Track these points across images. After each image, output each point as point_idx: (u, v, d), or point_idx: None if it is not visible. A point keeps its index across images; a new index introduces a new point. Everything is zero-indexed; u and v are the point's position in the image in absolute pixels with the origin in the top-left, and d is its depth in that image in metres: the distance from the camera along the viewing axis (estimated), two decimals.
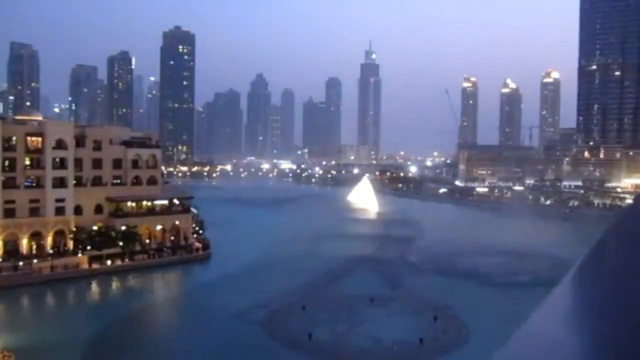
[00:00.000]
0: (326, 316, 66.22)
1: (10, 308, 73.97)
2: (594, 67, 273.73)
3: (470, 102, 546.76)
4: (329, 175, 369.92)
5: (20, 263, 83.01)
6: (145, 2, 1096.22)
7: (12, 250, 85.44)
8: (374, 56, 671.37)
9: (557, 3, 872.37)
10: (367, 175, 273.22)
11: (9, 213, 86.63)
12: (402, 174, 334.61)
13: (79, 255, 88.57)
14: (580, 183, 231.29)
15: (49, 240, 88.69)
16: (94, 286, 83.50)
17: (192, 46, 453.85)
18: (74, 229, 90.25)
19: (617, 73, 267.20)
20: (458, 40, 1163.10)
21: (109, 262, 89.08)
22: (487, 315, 64.28)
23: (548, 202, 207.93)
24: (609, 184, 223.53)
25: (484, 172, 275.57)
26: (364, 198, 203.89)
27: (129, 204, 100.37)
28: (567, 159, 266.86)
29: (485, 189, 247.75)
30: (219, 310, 68.46)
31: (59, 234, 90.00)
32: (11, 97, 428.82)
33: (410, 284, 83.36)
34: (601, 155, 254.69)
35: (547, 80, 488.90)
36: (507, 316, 55.92)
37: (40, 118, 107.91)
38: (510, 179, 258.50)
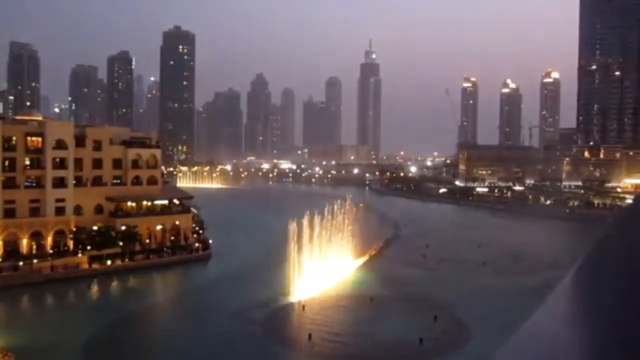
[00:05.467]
0: (326, 316, 66.19)
1: (10, 308, 73.92)
2: (594, 67, 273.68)
3: (470, 102, 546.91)
4: (329, 175, 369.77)
5: (20, 263, 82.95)
6: (145, 2, 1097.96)
7: (12, 250, 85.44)
8: (374, 56, 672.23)
9: (557, 3, 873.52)
10: (367, 174, 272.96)
11: (9, 213, 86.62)
12: (402, 174, 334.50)
13: (79, 255, 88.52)
14: (580, 183, 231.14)
15: (49, 240, 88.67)
16: (94, 286, 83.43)
17: (192, 46, 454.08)
18: (74, 229, 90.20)
19: (617, 73, 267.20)
20: (458, 40, 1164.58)
21: (109, 262, 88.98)
22: (488, 315, 64.27)
23: (548, 202, 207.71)
24: (609, 184, 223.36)
25: (484, 172, 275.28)
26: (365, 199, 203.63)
27: (129, 204, 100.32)
28: (567, 159, 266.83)
29: (485, 189, 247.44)
30: (219, 310, 68.50)
31: (59, 234, 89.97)
32: (11, 97, 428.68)
33: (410, 283, 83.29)
34: (601, 155, 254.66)
35: (547, 80, 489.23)
36: (509, 317, 55.98)
37: (40, 118, 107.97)
38: (510, 179, 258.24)
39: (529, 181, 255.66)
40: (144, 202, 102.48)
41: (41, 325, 64.15)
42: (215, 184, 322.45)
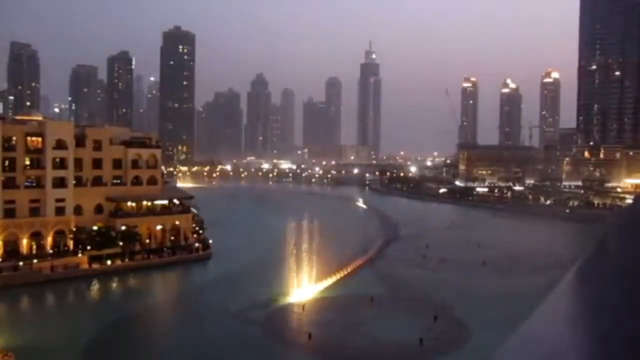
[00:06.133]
0: (326, 316, 66.18)
1: (10, 308, 73.87)
2: (594, 67, 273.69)
3: (470, 102, 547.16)
4: (329, 175, 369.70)
5: (20, 263, 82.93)
6: (145, 2, 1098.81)
7: (12, 250, 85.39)
8: (374, 56, 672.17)
9: (557, 3, 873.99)
10: (367, 175, 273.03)
11: (9, 213, 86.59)
12: (402, 174, 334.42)
13: (79, 255, 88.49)
14: (580, 183, 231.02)
15: (49, 240, 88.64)
16: (94, 286, 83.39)
17: (192, 46, 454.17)
18: (74, 229, 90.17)
19: (617, 73, 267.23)
20: (458, 40, 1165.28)
21: (109, 262, 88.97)
22: (488, 315, 64.27)
23: (548, 202, 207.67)
24: (609, 184, 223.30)
25: (484, 172, 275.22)
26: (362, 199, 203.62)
27: (129, 204, 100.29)
28: (567, 159, 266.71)
29: (485, 189, 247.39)
30: (219, 311, 68.44)
31: (59, 234, 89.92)
32: (11, 97, 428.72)
33: (410, 283, 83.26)
34: (601, 155, 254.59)
35: (547, 80, 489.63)
36: (508, 317, 55.99)
37: (40, 118, 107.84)
38: (510, 179, 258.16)
39: (529, 181, 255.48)
40: (144, 202, 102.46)
41: (41, 325, 64.13)
42: (215, 184, 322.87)
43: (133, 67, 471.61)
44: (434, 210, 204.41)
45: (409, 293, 77.73)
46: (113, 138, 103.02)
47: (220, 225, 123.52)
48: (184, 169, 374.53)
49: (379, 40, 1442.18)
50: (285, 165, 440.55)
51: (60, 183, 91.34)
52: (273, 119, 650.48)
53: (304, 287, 77.37)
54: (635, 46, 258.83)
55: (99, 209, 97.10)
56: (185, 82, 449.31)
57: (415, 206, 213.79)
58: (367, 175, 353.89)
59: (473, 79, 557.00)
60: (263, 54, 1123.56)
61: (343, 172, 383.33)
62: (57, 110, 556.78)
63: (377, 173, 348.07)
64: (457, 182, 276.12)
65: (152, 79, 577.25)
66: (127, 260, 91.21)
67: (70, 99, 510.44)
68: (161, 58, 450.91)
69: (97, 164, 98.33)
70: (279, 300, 72.52)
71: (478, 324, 61.17)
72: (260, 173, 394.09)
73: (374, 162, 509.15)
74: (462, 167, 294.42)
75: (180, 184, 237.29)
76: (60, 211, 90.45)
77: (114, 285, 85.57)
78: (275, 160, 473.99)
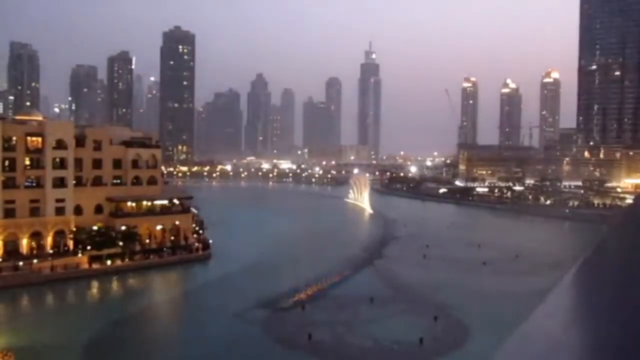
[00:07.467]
0: (326, 316, 66.17)
1: (10, 308, 73.91)
2: (594, 67, 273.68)
3: (470, 102, 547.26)
4: (329, 175, 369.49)
5: (20, 263, 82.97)
6: (145, 2, 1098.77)
7: (12, 250, 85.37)
8: (374, 56, 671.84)
9: (557, 3, 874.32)
10: (367, 174, 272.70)
11: (9, 213, 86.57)
12: (402, 174, 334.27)
13: (79, 255, 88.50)
14: (580, 183, 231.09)
15: (49, 240, 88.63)
16: (94, 286, 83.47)
17: (192, 46, 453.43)
18: (74, 229, 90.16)
19: (617, 73, 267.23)
20: (458, 40, 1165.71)
21: (109, 262, 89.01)
22: (488, 315, 64.28)
23: (548, 202, 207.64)
24: (609, 184, 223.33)
25: (484, 172, 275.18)
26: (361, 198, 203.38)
27: (129, 204, 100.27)
28: (567, 159, 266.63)
29: (485, 189, 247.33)
30: (219, 311, 68.47)
31: (59, 234, 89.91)
32: (11, 97, 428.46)
33: (410, 283, 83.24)
34: (601, 155, 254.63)
35: (547, 80, 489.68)
36: (508, 316, 55.98)
37: (40, 118, 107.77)
38: (510, 179, 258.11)
39: (529, 181, 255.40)
40: (144, 202, 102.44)
41: (41, 325, 64.13)
42: (215, 184, 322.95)
43: (133, 67, 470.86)
44: (434, 210, 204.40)
45: (409, 293, 77.72)
46: (113, 138, 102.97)
47: (221, 226, 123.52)
48: (184, 169, 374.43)
49: (379, 40, 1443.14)
50: (285, 165, 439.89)
51: (60, 183, 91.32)
52: (273, 119, 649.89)
53: (304, 287, 77.33)
54: (635, 46, 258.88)
55: (99, 209, 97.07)
56: (185, 82, 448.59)
57: (415, 206, 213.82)
58: (367, 175, 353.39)
59: (473, 79, 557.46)
60: (263, 54, 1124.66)
61: (343, 172, 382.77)
62: (57, 110, 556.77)
63: (377, 173, 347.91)
64: (457, 182, 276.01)
65: (152, 79, 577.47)
66: (127, 260, 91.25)
67: (70, 99, 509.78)
68: (161, 58, 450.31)
69: (97, 164, 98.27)
70: (278, 300, 72.52)
71: (478, 324, 61.21)
72: (260, 173, 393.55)
73: (374, 162, 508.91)
74: (462, 167, 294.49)
75: (180, 184, 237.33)
76: (60, 211, 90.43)
77: (114, 285, 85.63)
78: (275, 160, 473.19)
